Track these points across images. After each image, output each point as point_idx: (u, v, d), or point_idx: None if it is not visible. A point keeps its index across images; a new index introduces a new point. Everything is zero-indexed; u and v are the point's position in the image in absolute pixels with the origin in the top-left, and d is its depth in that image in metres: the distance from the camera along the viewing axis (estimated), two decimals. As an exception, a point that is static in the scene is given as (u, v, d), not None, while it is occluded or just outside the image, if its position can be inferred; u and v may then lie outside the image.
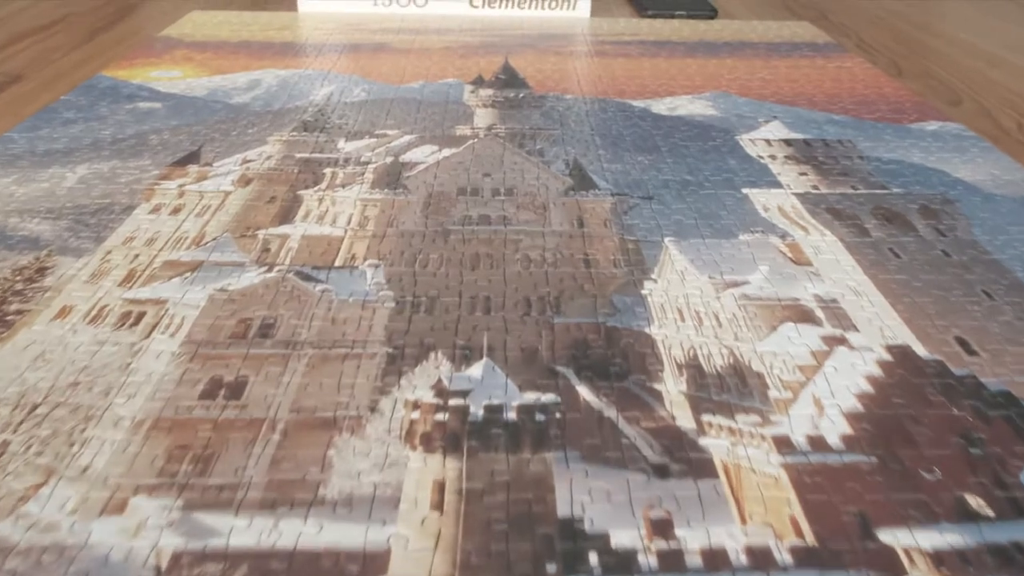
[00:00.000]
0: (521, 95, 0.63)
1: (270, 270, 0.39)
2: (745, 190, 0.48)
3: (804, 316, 0.36)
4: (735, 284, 0.38)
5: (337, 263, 0.40)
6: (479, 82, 0.66)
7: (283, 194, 0.46)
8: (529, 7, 0.88)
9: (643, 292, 0.38)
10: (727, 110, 0.62)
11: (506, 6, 0.88)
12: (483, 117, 0.59)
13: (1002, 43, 0.82)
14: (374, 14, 0.87)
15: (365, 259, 0.40)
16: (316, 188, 0.47)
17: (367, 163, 0.51)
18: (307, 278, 0.38)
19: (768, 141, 0.56)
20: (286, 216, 0.44)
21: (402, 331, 0.34)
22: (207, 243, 0.41)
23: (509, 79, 0.67)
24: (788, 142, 0.55)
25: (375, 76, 0.67)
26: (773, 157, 0.53)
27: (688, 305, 0.36)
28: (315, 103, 0.61)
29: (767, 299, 0.37)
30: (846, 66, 0.73)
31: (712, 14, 0.90)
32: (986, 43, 0.82)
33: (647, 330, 0.35)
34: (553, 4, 0.88)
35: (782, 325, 0.35)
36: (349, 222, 0.43)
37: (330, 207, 0.45)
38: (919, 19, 0.93)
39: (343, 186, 0.47)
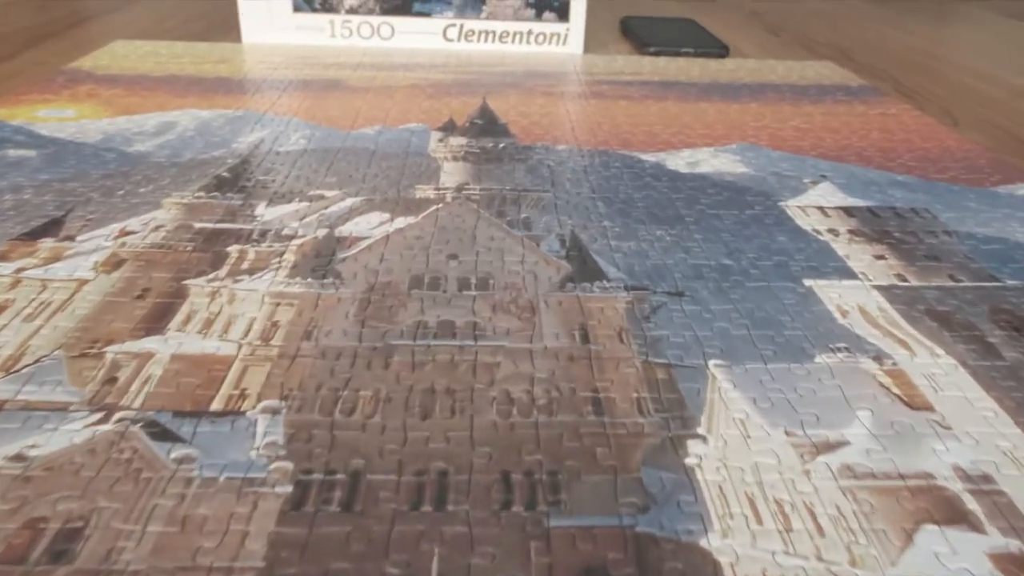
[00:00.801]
0: (501, 145, 0.50)
1: (107, 418, 0.24)
2: (808, 281, 0.35)
3: (950, 510, 0.22)
4: (828, 446, 0.25)
5: (215, 405, 0.26)
6: (450, 128, 0.53)
7: (162, 285, 0.32)
8: (513, 41, 0.76)
9: (688, 462, 0.24)
10: (761, 167, 0.48)
11: (486, 40, 0.75)
12: (452, 173, 0.45)
13: (1067, 89, 0.70)
14: (331, 47, 0.74)
15: (260, 399, 0.26)
16: (212, 276, 0.33)
17: (290, 238, 0.37)
18: (162, 434, 0.24)
19: (823, 209, 0.42)
20: (158, 320, 0.30)
21: (297, 543, 0.20)
22: (22, 368, 0.27)
23: (487, 125, 0.54)
24: (849, 211, 0.42)
25: (321, 119, 0.54)
26: (834, 232, 0.40)
27: (763, 489, 0.23)
28: (238, 152, 0.47)
29: (884, 476, 0.23)
30: (891, 113, 0.61)
31: (723, 52, 0.78)
32: (1048, 88, 0.70)
33: (703, 542, 0.21)
34: (540, 38, 0.76)
35: (919, 530, 0.21)
36: (247, 332, 0.29)
37: (225, 306, 0.31)
38: (957, 59, 0.82)
39: (250, 273, 0.34)
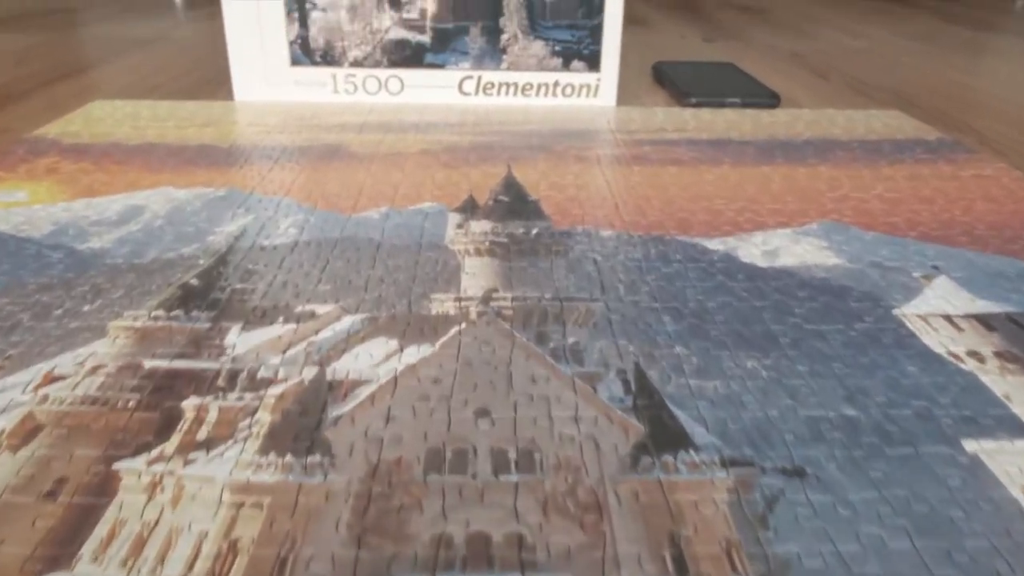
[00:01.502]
0: (534, 231, 0.41)
1: None
2: (969, 444, 0.25)
3: None
4: None
5: None
6: (470, 208, 0.44)
7: (84, 473, 0.23)
8: (537, 94, 0.67)
9: None
10: (856, 255, 0.39)
11: (507, 93, 0.67)
12: (476, 275, 0.36)
13: None
14: (333, 104, 0.66)
15: None
16: (156, 454, 0.24)
17: (267, 383, 0.27)
18: None
19: (950, 319, 0.33)
20: (68, 540, 0.21)
21: None
22: None
23: (514, 202, 0.45)
24: (985, 321, 0.33)
25: (317, 199, 0.45)
26: (978, 357, 0.30)
27: None
28: (213, 249, 0.38)
29: None
30: (988, 175, 0.51)
31: (774, 102, 0.69)
32: None
33: None
34: (568, 90, 0.67)
35: None
36: (191, 565, 0.20)
37: (167, 511, 0.22)
38: (1044, 107, 0.72)
39: (208, 447, 0.24)
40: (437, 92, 0.67)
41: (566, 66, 0.66)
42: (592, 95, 0.67)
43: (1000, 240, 0.42)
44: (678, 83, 0.73)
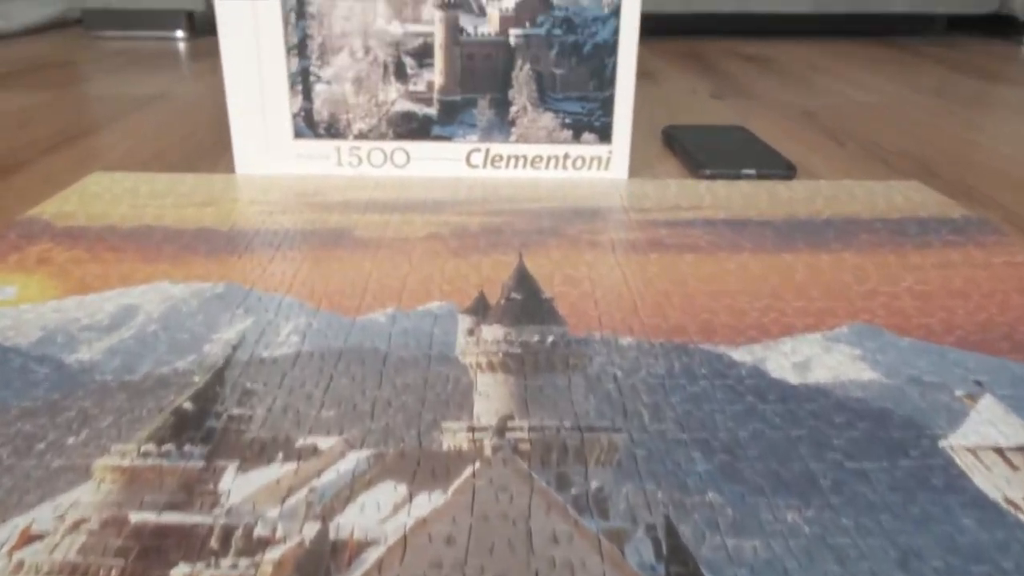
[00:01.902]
0: (550, 339, 0.39)
1: None
2: (1042, 628, 0.22)
3: None
4: None
5: None
6: (481, 310, 0.42)
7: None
8: (547, 166, 0.65)
9: None
10: (893, 368, 0.37)
11: (516, 165, 0.65)
12: (490, 396, 0.34)
13: None
14: (337, 177, 0.64)
15: None
16: (138, 644, 0.21)
17: (264, 544, 0.25)
18: None
19: (1003, 454, 0.30)
20: None
21: None
22: None
23: (527, 301, 0.43)
24: (1040, 457, 0.30)
25: (320, 298, 0.43)
26: (1037, 506, 0.28)
27: None
28: (210, 363, 0.36)
29: None
30: (1019, 261, 0.49)
31: (790, 173, 0.67)
32: None
33: None
34: (579, 163, 0.65)
35: None
36: None
37: None
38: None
39: (198, 634, 0.22)
40: (444, 165, 0.65)
41: (577, 138, 0.65)
42: (604, 167, 0.66)
43: (1043, 347, 0.39)
44: (691, 152, 0.71)
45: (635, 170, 0.68)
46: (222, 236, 0.52)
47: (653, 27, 1.12)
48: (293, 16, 0.60)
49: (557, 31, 0.61)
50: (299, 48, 0.61)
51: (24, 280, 0.45)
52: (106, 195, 0.59)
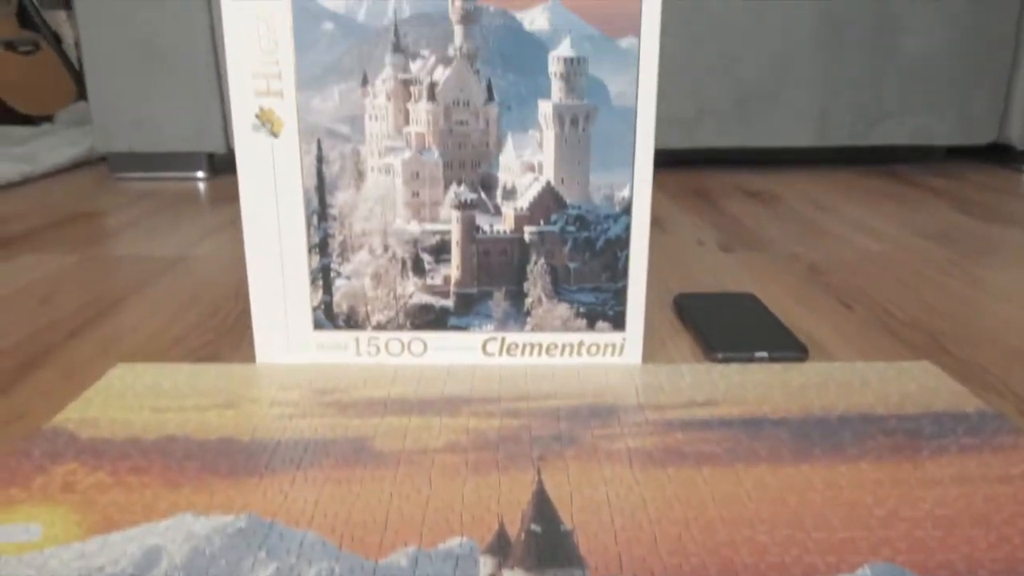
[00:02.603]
0: (572, 590, 0.39)
1: None
2: None
3: None
4: None
5: None
6: (502, 549, 0.42)
7: None
8: (562, 354, 0.66)
9: None
10: (918, 626, 0.36)
11: (531, 353, 0.66)
12: (514, 669, 0.34)
13: None
14: (357, 367, 0.65)
15: None
16: None
17: None
18: None
19: None
20: None
21: None
22: None
23: (547, 534, 0.43)
24: None
25: (341, 533, 0.43)
26: None
27: None
28: (233, 626, 0.36)
29: None
30: (1038, 475, 0.49)
31: (802, 355, 0.68)
32: None
33: None
34: (593, 349, 0.66)
35: None
36: None
37: None
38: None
39: None
40: (461, 353, 0.66)
41: (591, 327, 0.66)
42: (618, 353, 0.67)
43: (1069, 594, 0.39)
44: (703, 330, 0.72)
45: (649, 350, 0.69)
46: (243, 449, 0.53)
47: (659, 161, 1.15)
48: (315, 218, 0.63)
49: (571, 228, 0.63)
50: (320, 247, 0.63)
51: (49, 516, 0.45)
52: (129, 394, 0.61)
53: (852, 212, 1.30)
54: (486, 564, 0.41)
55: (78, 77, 2.55)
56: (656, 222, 1.25)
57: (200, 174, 1.69)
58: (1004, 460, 0.51)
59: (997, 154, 1.79)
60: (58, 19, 3.11)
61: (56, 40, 2.57)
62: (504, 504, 0.46)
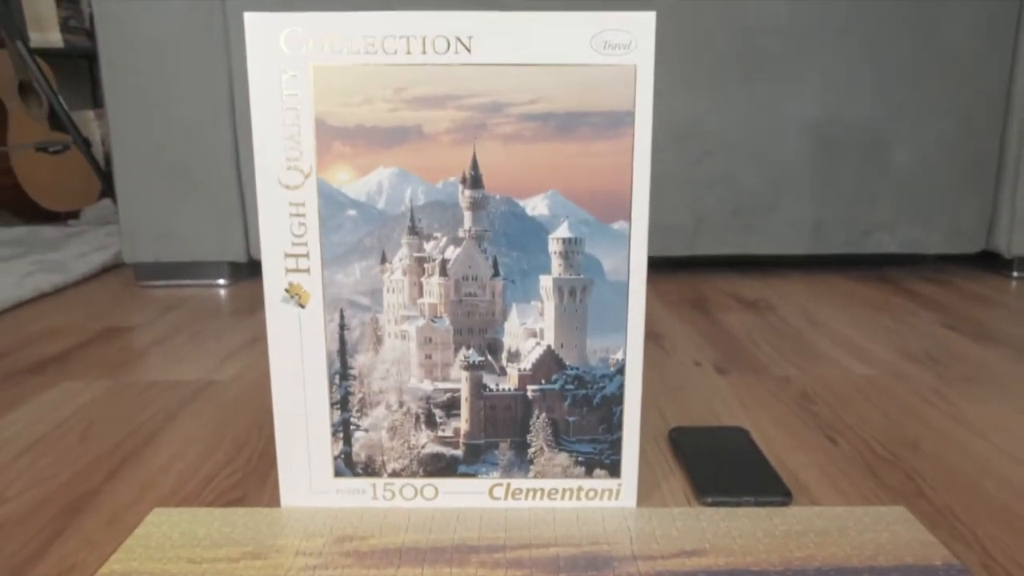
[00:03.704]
0: None
1: None
2: None
3: None
4: None
5: None
6: None
7: None
8: (562, 498, 0.72)
9: None
10: None
11: (534, 498, 0.72)
12: None
13: None
14: (374, 512, 0.71)
15: None
16: None
17: None
18: None
19: None
20: None
21: None
22: None
23: None
24: None
25: None
26: None
27: None
28: None
29: None
30: (994, 635, 0.54)
31: (786, 500, 0.74)
32: None
33: None
34: (591, 494, 0.72)
35: None
36: None
37: None
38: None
39: None
40: (469, 497, 0.72)
41: (588, 474, 0.72)
42: (614, 498, 0.72)
43: None
44: (694, 472, 0.78)
45: (644, 488, 0.75)
46: (272, 604, 0.58)
47: (660, 267, 1.21)
48: (337, 377, 0.70)
49: (570, 386, 0.70)
50: (342, 403, 0.70)
51: (101, 675, 0.51)
52: (166, 544, 0.66)
53: (843, 328, 1.37)
54: None
55: (104, 175, 2.67)
56: (654, 337, 1.31)
57: (222, 281, 1.77)
58: (964, 618, 0.56)
59: (987, 260, 1.86)
60: (85, 118, 3.26)
61: (86, 143, 2.70)
62: (507, 665, 0.52)
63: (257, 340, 1.31)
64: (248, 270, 1.84)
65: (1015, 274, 1.79)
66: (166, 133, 1.65)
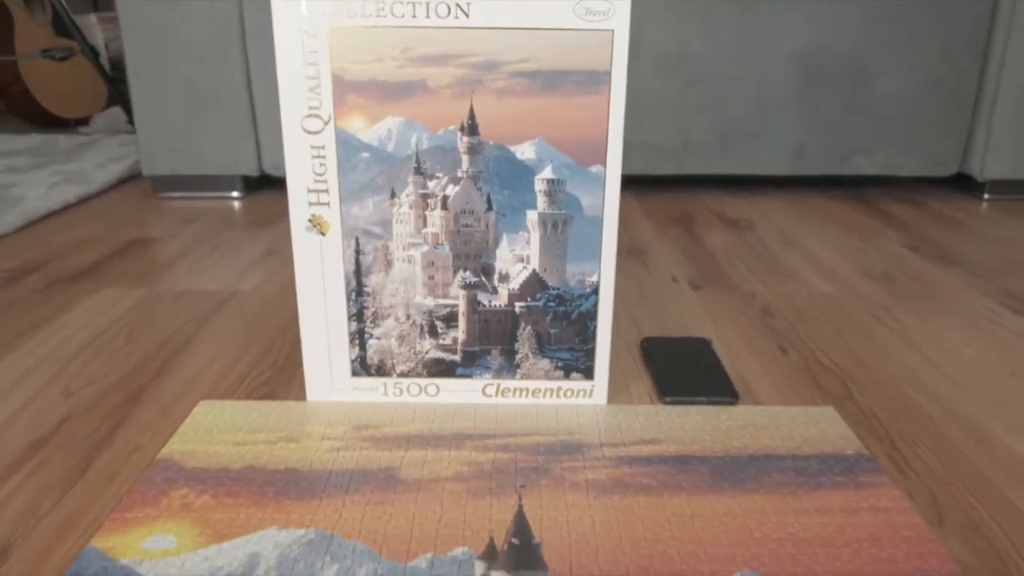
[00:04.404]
0: (536, 588, 0.58)
1: None
2: None
3: None
4: None
5: None
6: (491, 556, 0.62)
7: None
8: (544, 397, 0.86)
9: None
10: (761, 615, 0.56)
11: (520, 396, 0.86)
12: (494, 639, 0.54)
13: (1044, 463, 0.78)
14: (385, 405, 0.85)
15: None
16: None
17: None
18: None
19: None
20: None
21: None
22: None
23: (523, 546, 0.63)
24: None
25: (381, 545, 0.63)
26: None
27: None
28: (313, 608, 0.56)
29: None
30: (882, 508, 0.69)
31: (733, 400, 0.87)
32: (1027, 460, 0.78)
33: None
34: (569, 394, 0.86)
35: None
36: None
37: None
38: (963, 406, 0.89)
39: None
40: (465, 395, 0.86)
41: (566, 376, 0.85)
42: (588, 397, 0.86)
43: (870, 595, 0.58)
44: (658, 376, 0.91)
45: (615, 389, 0.88)
46: (304, 477, 0.72)
47: (651, 185, 1.33)
48: (354, 294, 0.82)
49: (551, 304, 0.82)
50: (357, 316, 0.83)
51: (178, 529, 0.65)
52: (214, 429, 0.80)
53: (814, 247, 1.49)
54: (479, 567, 0.61)
55: (110, 81, 2.73)
56: (638, 252, 1.43)
57: (235, 193, 1.88)
58: (860, 496, 0.71)
59: (961, 182, 1.96)
60: (88, 22, 3.29)
61: (92, 51, 2.75)
62: (494, 522, 0.66)
63: (273, 252, 1.43)
64: (260, 184, 1.95)
65: (986, 196, 1.89)
66: (179, 53, 1.73)
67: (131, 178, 2.08)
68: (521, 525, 0.66)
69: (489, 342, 0.84)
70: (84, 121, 3.00)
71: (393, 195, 0.79)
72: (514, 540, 0.64)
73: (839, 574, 0.61)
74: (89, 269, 1.33)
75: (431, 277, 0.82)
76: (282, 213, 1.74)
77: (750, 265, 1.38)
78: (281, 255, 1.42)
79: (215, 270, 1.32)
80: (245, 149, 1.80)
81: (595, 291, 0.82)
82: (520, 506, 0.68)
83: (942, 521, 0.68)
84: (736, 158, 1.83)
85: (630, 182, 2.01)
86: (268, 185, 1.96)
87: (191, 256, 1.40)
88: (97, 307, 1.15)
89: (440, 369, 0.85)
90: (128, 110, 2.71)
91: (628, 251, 1.45)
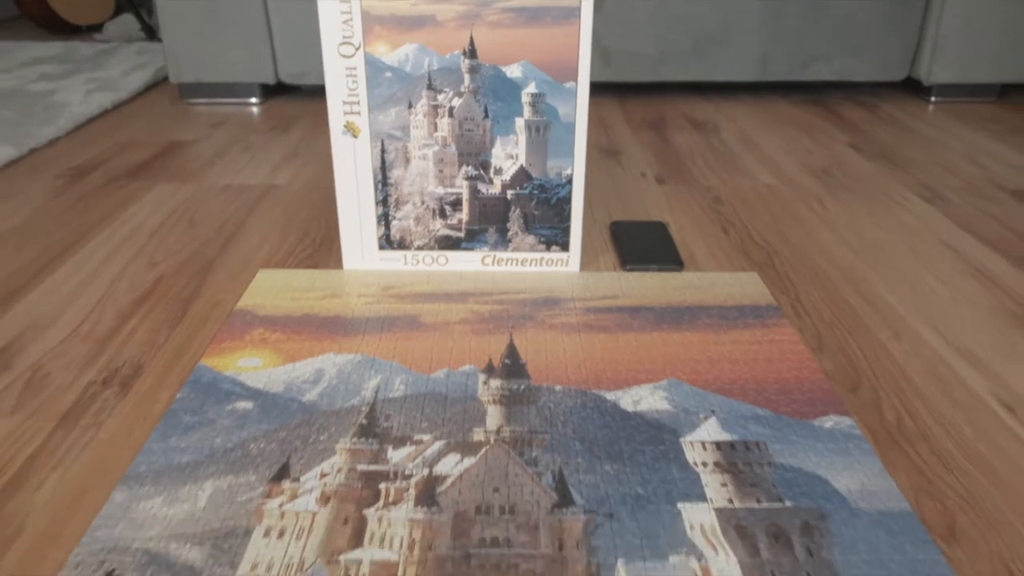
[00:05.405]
0: (521, 387, 0.84)
1: (351, 599, 0.58)
2: (680, 504, 0.68)
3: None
4: (662, 611, 0.57)
5: (395, 590, 0.59)
6: (490, 371, 0.87)
7: (352, 514, 0.66)
8: (530, 265, 1.10)
9: (600, 619, 0.57)
10: (678, 402, 0.82)
11: (511, 264, 1.10)
12: (494, 416, 0.79)
13: (914, 307, 1.03)
14: (406, 272, 1.09)
15: (414, 587, 0.59)
16: (375, 506, 0.67)
17: (410, 476, 0.71)
18: (376, 607, 0.57)
19: (704, 444, 0.75)
20: (358, 538, 0.64)
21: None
22: (307, 570, 0.61)
23: (512, 366, 0.88)
24: (718, 445, 0.75)
25: (410, 363, 0.88)
26: (704, 464, 0.73)
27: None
28: (366, 400, 0.82)
29: (681, 626, 0.56)
30: (779, 340, 0.94)
31: (679, 267, 1.12)
32: (904, 307, 1.03)
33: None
34: (549, 263, 1.10)
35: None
36: (402, 545, 0.63)
37: (387, 528, 0.65)
38: (859, 272, 1.14)
39: (394, 503, 0.67)
40: (468, 264, 1.10)
41: (548, 249, 1.09)
42: (565, 265, 1.10)
43: (756, 393, 0.84)
44: (621, 249, 1.16)
45: (587, 259, 1.12)
46: (350, 322, 0.97)
47: (629, 91, 1.56)
48: (380, 185, 1.05)
49: (535, 191, 1.06)
50: (383, 202, 1.06)
51: (260, 354, 0.90)
52: (274, 290, 1.05)
53: (768, 147, 1.70)
54: (481, 377, 0.86)
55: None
56: (614, 154, 1.65)
57: (254, 100, 2.08)
58: (764, 332, 0.96)
59: (911, 86, 2.16)
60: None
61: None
62: (492, 350, 0.91)
63: (297, 153, 1.65)
64: (276, 91, 2.14)
65: (933, 99, 2.10)
66: (202, -31, 1.89)
67: (154, 85, 2.26)
68: (512, 351, 0.91)
69: (487, 222, 1.07)
70: (96, 28, 3.14)
71: (410, 106, 1.01)
72: (507, 360, 0.89)
73: (738, 379, 0.86)
74: (141, 167, 1.55)
75: (441, 171, 1.04)
76: (298, 117, 1.94)
77: (709, 163, 1.60)
78: (304, 156, 1.63)
79: (250, 168, 1.54)
80: (262, 58, 1.99)
81: (569, 181, 1.05)
82: (511, 339, 0.93)
83: (821, 348, 0.93)
84: (707, 66, 2.02)
85: (614, 88, 2.21)
86: (282, 92, 2.15)
87: (227, 156, 1.62)
88: (158, 198, 1.38)
89: (448, 243, 1.08)
90: (140, 17, 2.85)
91: (607, 151, 1.67)
